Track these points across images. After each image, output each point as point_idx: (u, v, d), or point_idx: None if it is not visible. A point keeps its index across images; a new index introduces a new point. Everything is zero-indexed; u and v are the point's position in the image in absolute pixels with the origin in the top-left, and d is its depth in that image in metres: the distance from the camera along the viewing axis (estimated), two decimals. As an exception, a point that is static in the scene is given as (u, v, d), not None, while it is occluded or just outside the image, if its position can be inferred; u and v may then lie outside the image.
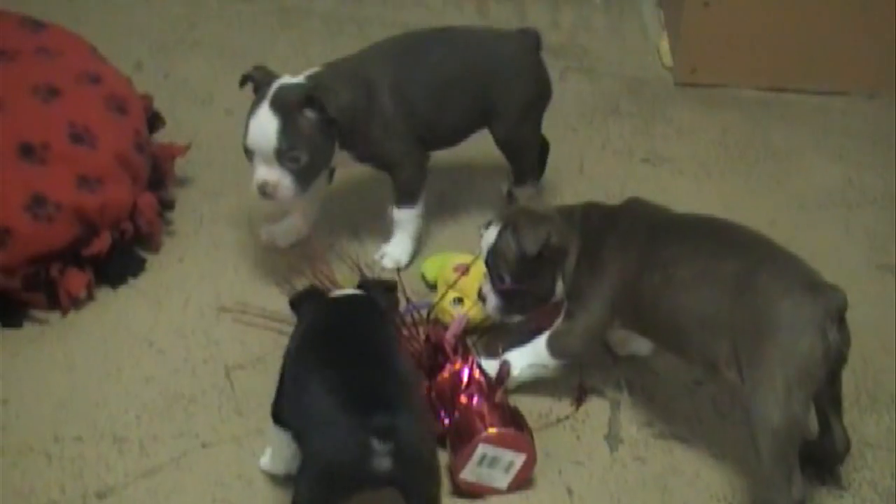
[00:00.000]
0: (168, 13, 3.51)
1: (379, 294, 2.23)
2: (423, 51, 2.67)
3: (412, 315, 2.42)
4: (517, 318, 2.41)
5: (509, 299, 2.37)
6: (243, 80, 2.54)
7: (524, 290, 2.35)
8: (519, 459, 2.20)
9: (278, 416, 2.13)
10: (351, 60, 2.65)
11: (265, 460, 2.22)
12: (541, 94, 2.76)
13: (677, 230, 2.29)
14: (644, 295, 2.24)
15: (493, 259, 2.36)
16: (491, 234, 2.36)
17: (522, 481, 2.23)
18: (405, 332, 2.35)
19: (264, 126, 2.44)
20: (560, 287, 2.36)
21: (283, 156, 2.44)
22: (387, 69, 2.61)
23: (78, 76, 2.78)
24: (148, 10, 3.51)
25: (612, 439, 2.36)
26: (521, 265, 2.33)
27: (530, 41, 2.75)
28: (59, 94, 2.71)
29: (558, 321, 2.35)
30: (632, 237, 2.29)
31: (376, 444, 1.92)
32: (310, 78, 2.53)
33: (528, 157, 2.80)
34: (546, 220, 2.33)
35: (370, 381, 2.02)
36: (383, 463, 1.93)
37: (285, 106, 2.44)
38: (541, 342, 2.35)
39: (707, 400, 2.44)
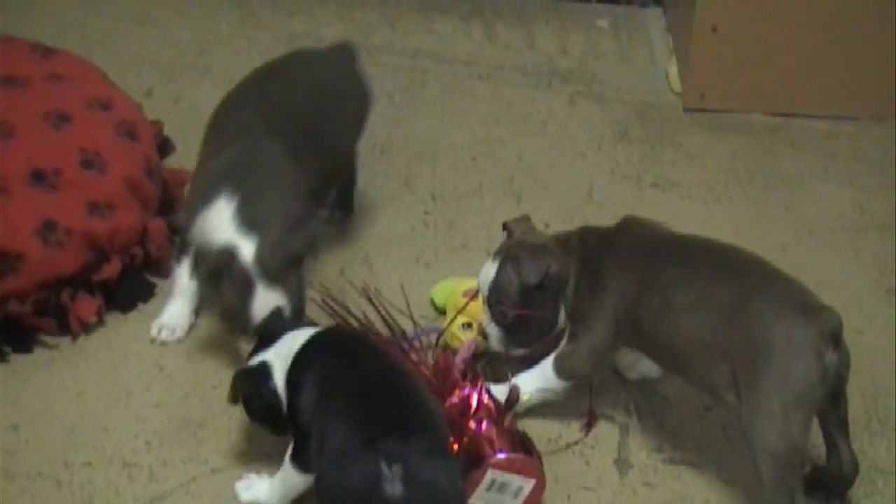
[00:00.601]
0: (178, 40, 3.52)
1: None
2: (280, 94, 2.59)
3: (420, 340, 2.42)
4: (522, 351, 2.41)
5: (513, 332, 2.38)
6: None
7: (528, 322, 2.36)
8: (528, 485, 2.20)
9: (305, 464, 2.11)
10: (240, 139, 2.51)
11: (260, 496, 2.20)
12: (365, 107, 2.73)
13: (675, 252, 2.29)
14: (644, 318, 2.25)
15: (495, 294, 2.36)
16: (489, 270, 2.37)
17: (532, 506, 2.23)
18: (414, 358, 2.35)
19: (266, 302, 2.35)
20: (563, 315, 2.37)
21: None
22: (276, 133, 2.51)
23: (88, 102, 2.79)
24: (158, 36, 3.53)
25: (622, 464, 2.36)
26: (524, 298, 2.34)
27: (348, 55, 2.72)
28: (70, 120, 2.72)
29: (563, 343, 2.35)
30: (631, 259, 2.29)
31: (385, 469, 1.92)
32: (242, 220, 2.37)
33: (354, 175, 2.81)
34: (545, 251, 2.34)
35: (380, 406, 2.02)
36: (395, 488, 1.92)
37: (273, 266, 2.35)
38: (547, 364, 2.35)
39: (716, 425, 2.43)
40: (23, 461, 2.28)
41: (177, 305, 2.56)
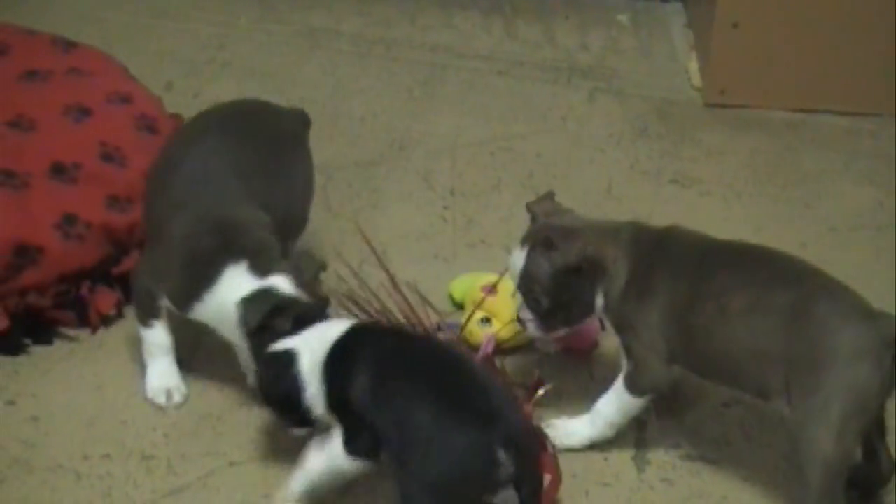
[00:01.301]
0: (198, 34, 3.53)
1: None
2: (240, 141, 2.45)
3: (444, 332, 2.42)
4: (564, 332, 2.35)
5: (549, 317, 2.31)
6: None
7: (565, 305, 2.29)
8: (545, 481, 2.19)
9: (359, 452, 2.12)
10: (205, 196, 2.37)
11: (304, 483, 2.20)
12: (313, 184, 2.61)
13: (728, 259, 2.24)
14: (696, 326, 2.19)
15: (527, 283, 2.29)
16: (518, 258, 2.29)
17: (549, 503, 2.22)
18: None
19: None
20: (600, 302, 2.29)
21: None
22: (253, 194, 2.39)
23: (109, 96, 2.80)
24: (178, 31, 3.53)
25: (640, 461, 2.36)
26: (557, 282, 2.26)
27: (303, 121, 2.61)
28: (91, 113, 2.74)
29: (624, 364, 2.29)
30: (683, 265, 2.23)
31: (502, 455, 1.99)
32: (258, 269, 2.27)
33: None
34: (578, 232, 2.26)
35: (465, 392, 2.06)
36: (508, 469, 2.00)
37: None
38: (621, 390, 2.29)
39: (735, 422, 2.43)
40: (42, 454, 2.29)
41: (160, 365, 2.42)
